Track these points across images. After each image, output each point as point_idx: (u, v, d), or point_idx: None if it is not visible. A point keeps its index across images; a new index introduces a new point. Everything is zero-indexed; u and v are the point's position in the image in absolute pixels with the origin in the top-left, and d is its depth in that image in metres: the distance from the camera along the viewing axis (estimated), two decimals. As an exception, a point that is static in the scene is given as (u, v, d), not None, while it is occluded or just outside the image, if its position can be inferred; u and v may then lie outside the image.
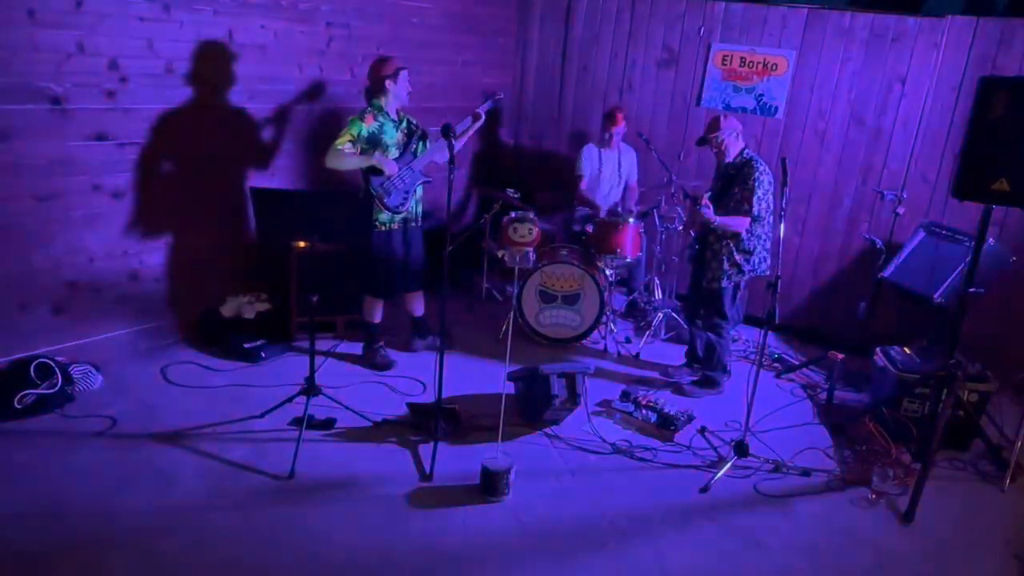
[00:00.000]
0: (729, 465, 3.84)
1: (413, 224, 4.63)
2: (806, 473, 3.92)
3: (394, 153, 4.43)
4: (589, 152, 5.88)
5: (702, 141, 4.52)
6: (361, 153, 4.33)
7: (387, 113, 4.40)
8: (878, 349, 4.62)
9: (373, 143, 4.34)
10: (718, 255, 4.46)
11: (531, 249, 5.04)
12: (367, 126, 4.31)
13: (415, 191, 4.54)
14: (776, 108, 5.81)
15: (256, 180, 4.88)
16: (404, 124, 4.51)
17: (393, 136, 4.41)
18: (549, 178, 6.52)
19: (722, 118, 4.46)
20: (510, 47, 6.77)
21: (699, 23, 6.00)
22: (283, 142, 5.03)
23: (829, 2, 5.54)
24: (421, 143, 4.56)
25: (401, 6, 5.53)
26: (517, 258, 4.69)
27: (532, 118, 6.95)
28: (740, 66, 5.87)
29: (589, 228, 5.57)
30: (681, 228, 5.40)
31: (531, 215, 5.32)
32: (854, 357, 5.02)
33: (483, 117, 4.62)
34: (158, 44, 4.19)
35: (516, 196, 5.56)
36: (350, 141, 4.27)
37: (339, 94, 5.28)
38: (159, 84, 4.26)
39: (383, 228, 4.50)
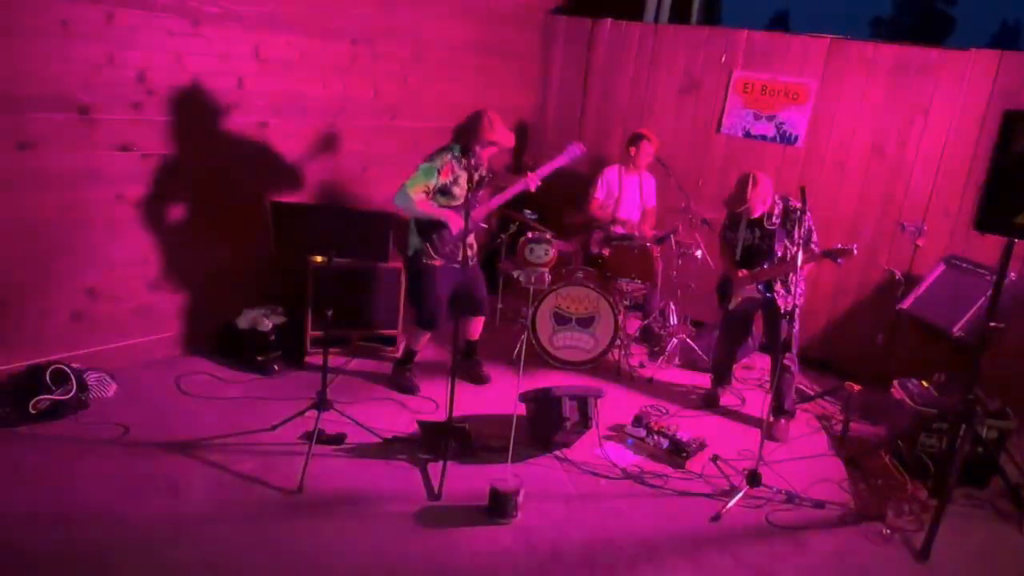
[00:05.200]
0: (741, 495, 3.79)
1: (471, 260, 4.50)
2: (819, 505, 3.86)
3: (458, 201, 4.31)
4: (609, 175, 5.85)
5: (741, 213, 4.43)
6: (431, 200, 4.28)
7: (467, 163, 4.28)
8: (895, 382, 4.56)
9: (444, 193, 4.29)
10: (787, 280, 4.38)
11: (546, 270, 5.02)
12: (443, 179, 4.23)
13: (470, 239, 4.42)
14: (796, 137, 5.80)
15: (276, 194, 4.92)
16: (476, 172, 4.39)
17: (464, 186, 4.29)
18: (567, 200, 6.52)
19: (750, 186, 4.30)
20: (532, 70, 6.82)
21: (721, 50, 6.01)
22: (304, 157, 5.08)
23: (852, 32, 5.54)
24: (485, 187, 4.49)
25: (425, 27, 5.59)
26: (532, 278, 4.67)
27: (552, 140, 6.97)
28: (761, 94, 5.88)
29: (606, 251, 5.56)
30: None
31: (548, 236, 5.32)
32: (870, 389, 4.96)
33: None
34: (186, 58, 4.26)
35: (534, 217, 5.57)
36: (424, 192, 4.23)
37: (362, 111, 5.33)
38: (185, 97, 4.32)
39: (426, 260, 4.41)
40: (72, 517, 3.16)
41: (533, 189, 4.48)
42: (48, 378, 3.88)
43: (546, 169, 4.52)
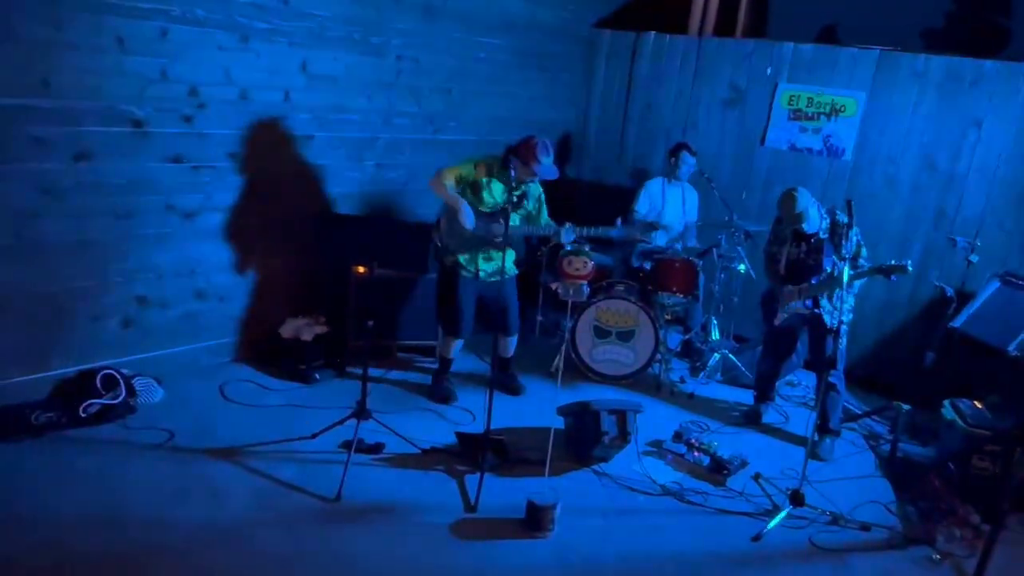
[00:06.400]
0: (784, 514, 3.71)
1: (502, 277, 4.54)
2: (866, 528, 3.76)
3: (483, 207, 4.40)
4: (652, 187, 5.82)
5: (798, 230, 4.36)
6: (460, 194, 4.38)
7: (507, 175, 4.30)
8: (947, 402, 4.42)
9: (474, 192, 4.38)
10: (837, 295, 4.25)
11: (585, 283, 5.00)
12: (476, 175, 4.35)
13: (489, 252, 4.50)
14: (844, 150, 5.70)
15: (321, 206, 5.00)
16: (520, 191, 4.45)
17: (497, 196, 4.37)
18: (610, 213, 6.50)
19: (797, 198, 4.23)
20: (575, 83, 6.82)
21: (767, 63, 5.95)
22: (349, 170, 5.15)
23: (902, 44, 5.44)
24: (522, 211, 4.53)
25: (469, 42, 5.64)
26: (571, 291, 4.65)
27: (595, 153, 6.97)
28: (807, 106, 5.80)
29: (647, 265, 5.52)
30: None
31: (586, 248, 5.30)
32: (920, 409, 4.82)
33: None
34: (235, 72, 4.36)
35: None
36: (455, 179, 4.34)
37: (405, 125, 5.39)
38: (234, 111, 4.43)
39: (450, 267, 4.50)
40: (118, 519, 3.24)
41: (566, 244, 4.62)
42: (99, 383, 3.99)
43: (590, 232, 4.61)
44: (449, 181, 4.34)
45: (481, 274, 4.49)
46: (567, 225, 4.50)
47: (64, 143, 3.82)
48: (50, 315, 3.97)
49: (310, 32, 4.64)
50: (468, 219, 4.34)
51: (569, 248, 5.10)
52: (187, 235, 4.43)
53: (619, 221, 4.66)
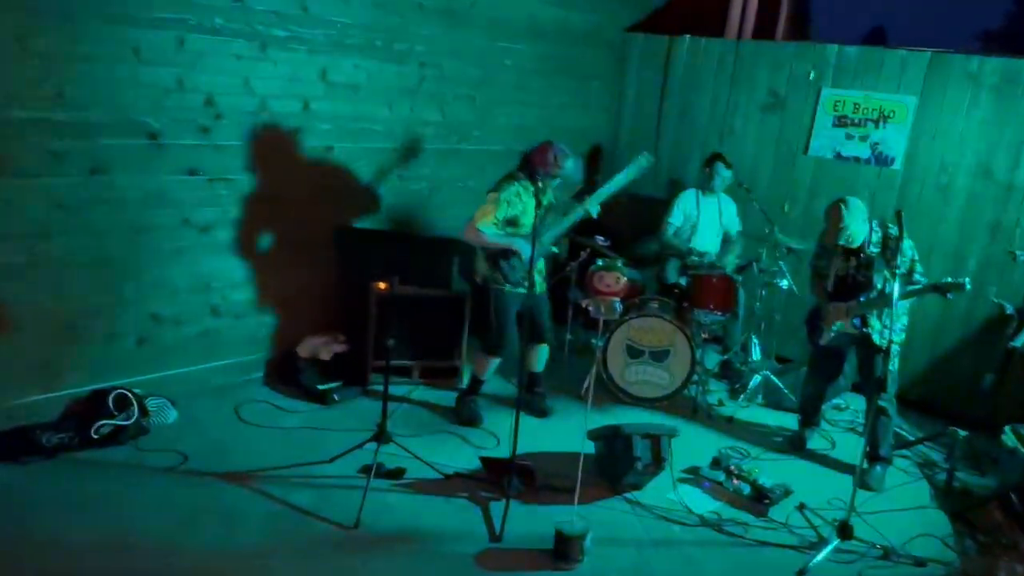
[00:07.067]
0: (830, 548, 3.52)
1: (538, 287, 4.47)
2: (920, 564, 3.57)
3: (527, 229, 4.29)
4: (686, 199, 5.67)
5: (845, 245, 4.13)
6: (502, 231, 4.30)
7: (533, 188, 4.23)
8: (1008, 428, 4.24)
9: (512, 223, 4.29)
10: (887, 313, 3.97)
11: (617, 299, 4.84)
12: (514, 209, 4.24)
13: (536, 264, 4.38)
14: (893, 158, 5.47)
15: (342, 219, 4.90)
16: (547, 197, 4.38)
17: (533, 212, 4.27)
18: (643, 227, 6.34)
19: (844, 211, 3.99)
20: (606, 90, 6.69)
21: (809, 67, 5.75)
22: (371, 182, 5.08)
23: (955, 46, 5.20)
24: (551, 214, 4.43)
25: (494, 48, 5.55)
26: (602, 309, 4.49)
27: (626, 163, 6.79)
28: (853, 112, 5.58)
29: (683, 280, 5.34)
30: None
31: (619, 263, 5.14)
32: (978, 435, 4.59)
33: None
34: (253, 82, 4.31)
35: (606, 244, 5.40)
36: (494, 224, 4.24)
37: (428, 134, 5.31)
38: (252, 121, 4.37)
39: (495, 285, 4.38)
40: (128, 544, 3.20)
41: (595, 216, 4.41)
42: (111, 403, 3.94)
43: (606, 190, 4.42)
44: (487, 228, 4.23)
45: (536, 287, 4.39)
46: (587, 199, 4.40)
47: (79, 156, 3.79)
48: (63, 333, 3.94)
49: (330, 39, 4.57)
50: (526, 251, 4.21)
51: (604, 264, 4.96)
52: (203, 250, 4.38)
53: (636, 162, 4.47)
